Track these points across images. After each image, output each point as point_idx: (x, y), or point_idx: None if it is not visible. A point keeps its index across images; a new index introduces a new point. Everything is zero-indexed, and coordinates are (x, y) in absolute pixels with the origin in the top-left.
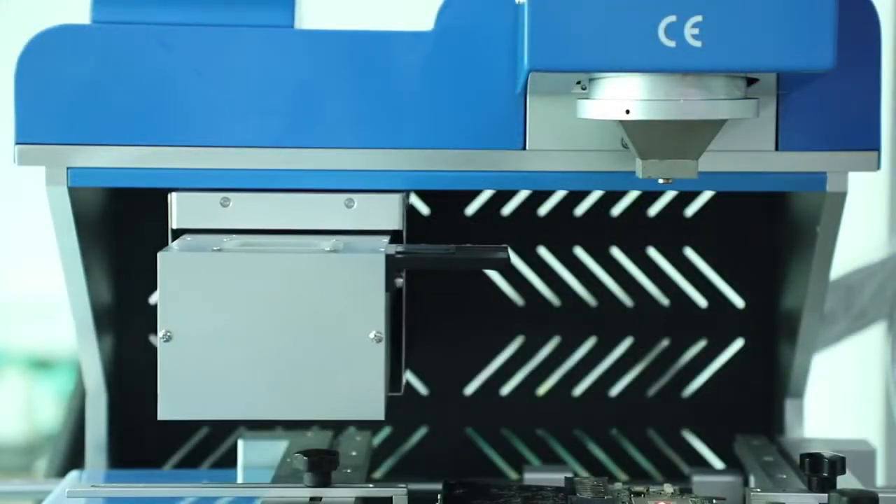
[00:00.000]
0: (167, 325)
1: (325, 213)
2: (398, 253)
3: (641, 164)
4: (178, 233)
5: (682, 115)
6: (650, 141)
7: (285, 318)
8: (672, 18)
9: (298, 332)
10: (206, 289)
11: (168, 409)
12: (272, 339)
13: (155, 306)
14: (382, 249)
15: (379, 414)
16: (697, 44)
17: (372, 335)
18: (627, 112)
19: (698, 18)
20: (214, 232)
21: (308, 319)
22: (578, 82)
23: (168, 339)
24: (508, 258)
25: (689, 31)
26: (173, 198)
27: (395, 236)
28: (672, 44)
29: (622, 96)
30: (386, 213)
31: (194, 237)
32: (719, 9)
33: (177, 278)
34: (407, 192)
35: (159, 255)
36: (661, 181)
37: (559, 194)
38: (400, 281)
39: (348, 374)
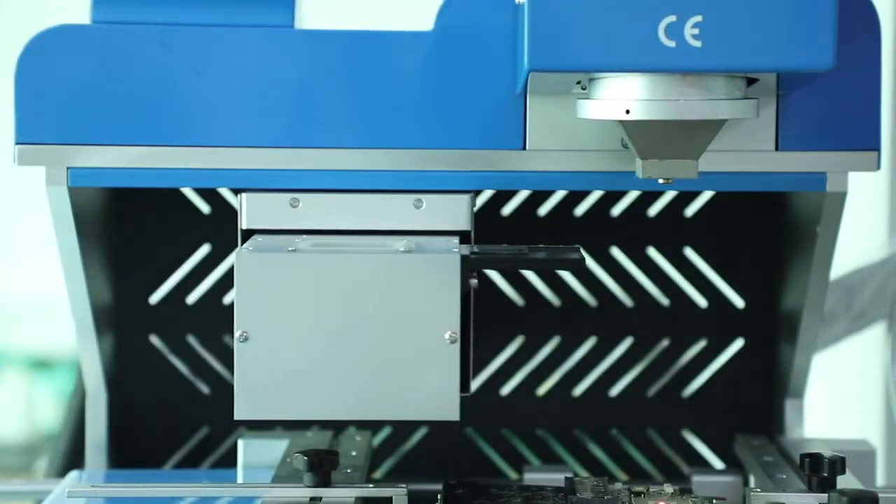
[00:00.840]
0: (244, 325)
1: (394, 214)
2: (473, 253)
3: (641, 164)
4: (246, 233)
5: (682, 115)
6: (650, 141)
7: (361, 318)
8: (672, 18)
9: (373, 333)
10: (283, 289)
11: (244, 409)
12: (347, 339)
13: (155, 306)
14: (456, 250)
15: (454, 414)
16: (697, 44)
17: (447, 335)
18: (627, 112)
19: (698, 18)
20: (284, 232)
21: (383, 319)
22: (578, 82)
23: (245, 339)
24: (583, 259)
25: (689, 31)
26: (243, 198)
27: (463, 237)
28: (672, 44)
29: (622, 96)
30: (454, 213)
31: (265, 237)
32: (719, 9)
33: (254, 278)
34: (475, 193)
35: (236, 255)
36: (661, 181)
37: (559, 194)
38: (474, 282)
39: (423, 374)
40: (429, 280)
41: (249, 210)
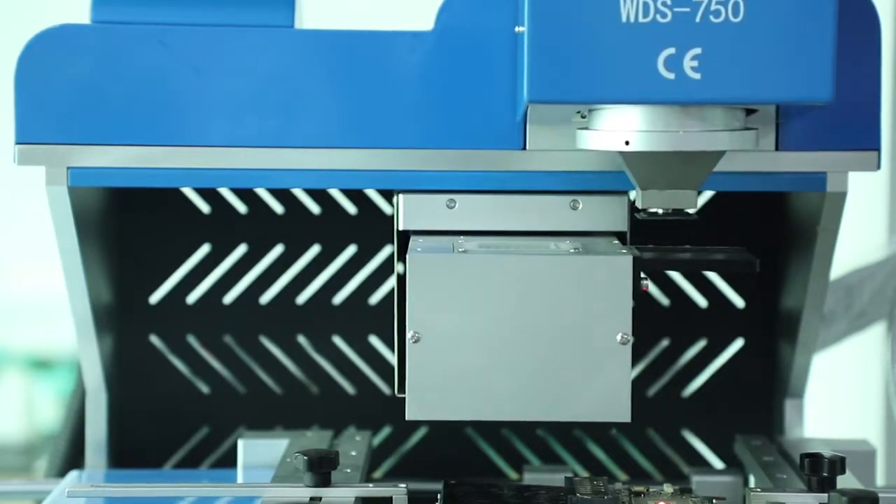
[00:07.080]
0: (416, 326)
1: (551, 215)
2: (644, 255)
3: (641, 195)
4: (403, 234)
5: (682, 147)
6: (649, 172)
7: (532, 319)
8: (671, 51)
9: (544, 334)
10: (454, 290)
11: (416, 409)
12: (518, 340)
13: (155, 306)
14: (626, 251)
15: (625, 416)
16: (696, 76)
17: (619, 337)
18: (627, 143)
19: (697, 51)
20: (441, 233)
21: (554, 321)
22: (578, 111)
23: (416, 340)
24: (756, 261)
25: (688, 64)
26: (400, 199)
27: (619, 238)
28: (671, 76)
29: (621, 127)
30: (612, 214)
31: (425, 238)
32: (718, 41)
33: (426, 279)
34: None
35: (409, 256)
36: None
37: None
38: (646, 283)
39: (595, 375)
40: (601, 281)
41: (406, 211)
